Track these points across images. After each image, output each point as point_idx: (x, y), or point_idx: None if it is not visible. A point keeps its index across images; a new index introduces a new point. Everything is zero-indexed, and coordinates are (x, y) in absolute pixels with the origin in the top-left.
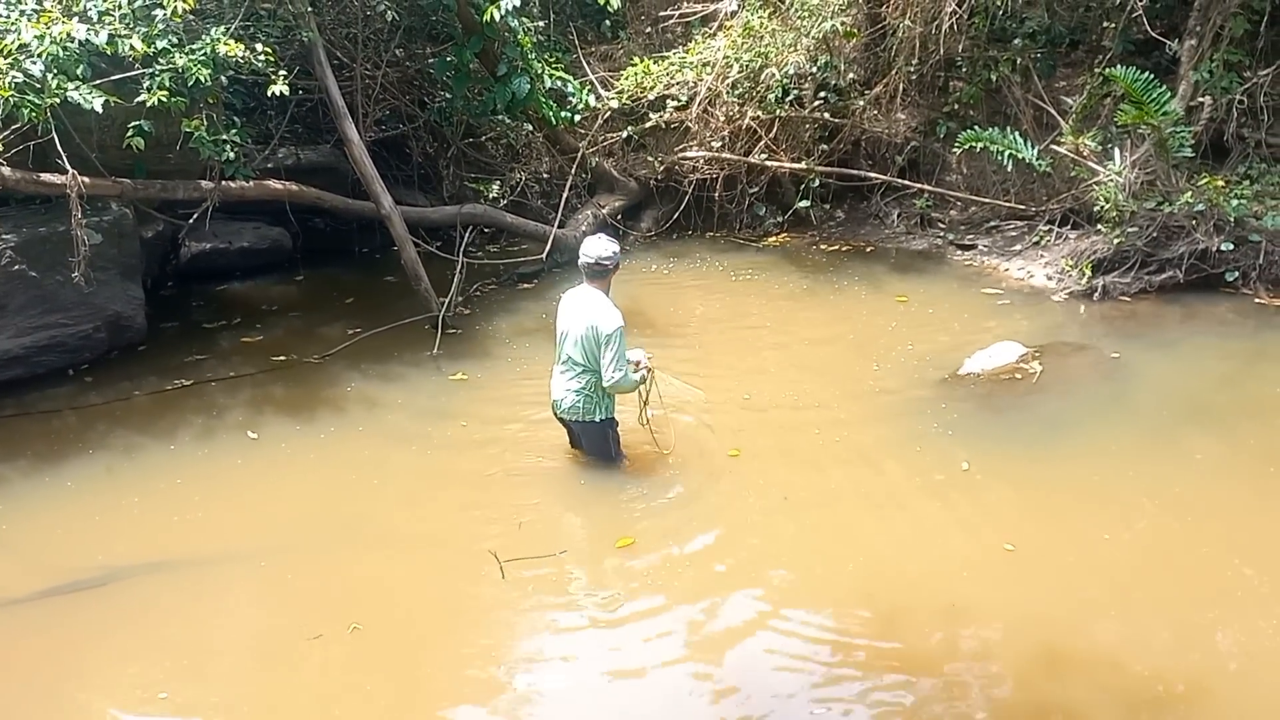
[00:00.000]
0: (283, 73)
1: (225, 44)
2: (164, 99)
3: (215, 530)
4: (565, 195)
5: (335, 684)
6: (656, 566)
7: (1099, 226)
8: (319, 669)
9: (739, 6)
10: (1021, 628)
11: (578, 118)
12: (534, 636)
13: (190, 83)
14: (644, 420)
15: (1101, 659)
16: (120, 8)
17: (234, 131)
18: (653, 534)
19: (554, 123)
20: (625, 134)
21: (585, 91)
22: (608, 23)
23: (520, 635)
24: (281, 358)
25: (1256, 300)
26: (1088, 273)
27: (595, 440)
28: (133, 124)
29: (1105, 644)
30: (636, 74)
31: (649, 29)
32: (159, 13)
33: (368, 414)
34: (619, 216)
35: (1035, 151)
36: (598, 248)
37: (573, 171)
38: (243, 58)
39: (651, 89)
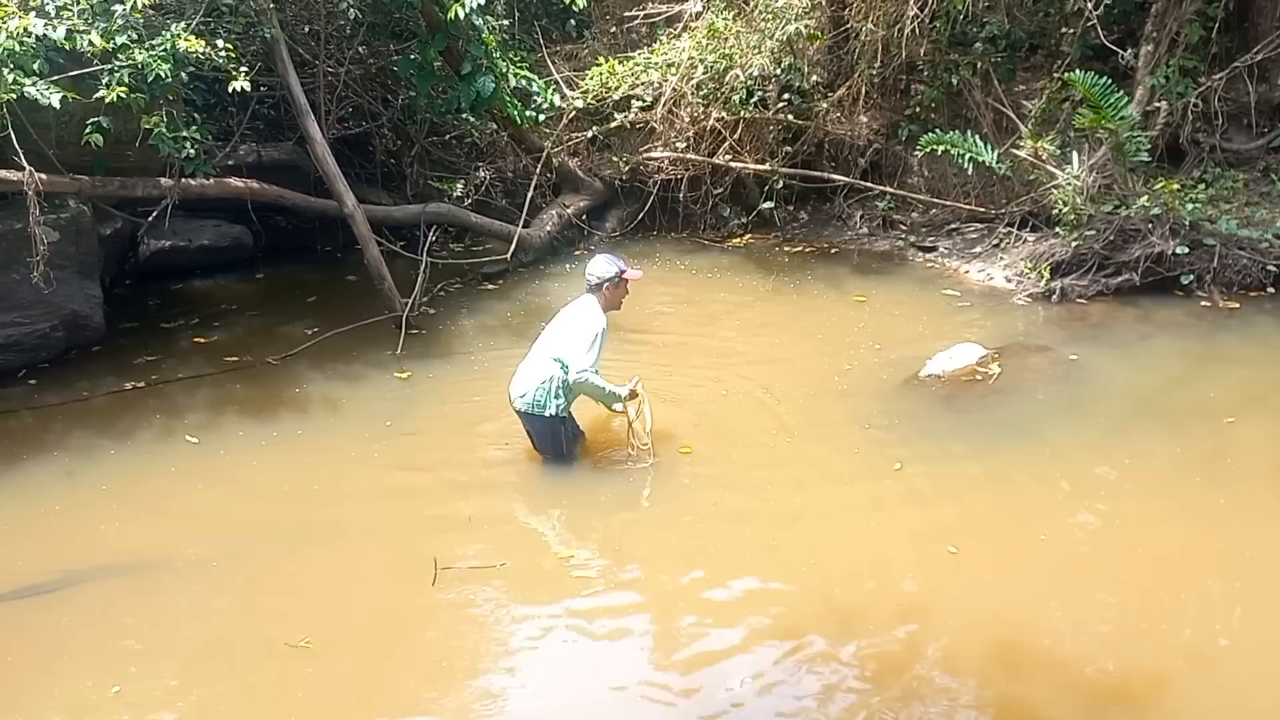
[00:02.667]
0: (244, 69)
1: (186, 40)
2: (123, 95)
3: (173, 533)
4: (530, 195)
5: (288, 685)
6: (602, 573)
7: (1057, 229)
8: (272, 675)
9: (704, 8)
10: (982, 626)
11: (543, 117)
12: (476, 647)
13: (150, 79)
14: (632, 446)
15: (1060, 658)
16: (79, 2)
17: (194, 129)
18: (599, 538)
19: (519, 122)
20: (590, 134)
21: (550, 91)
22: (572, 22)
23: (461, 646)
24: (236, 358)
25: (1203, 303)
26: (1046, 275)
27: (545, 435)
28: (91, 120)
29: (1064, 643)
30: (602, 74)
31: (614, 29)
32: (118, 8)
33: (329, 415)
34: (584, 216)
35: (995, 155)
36: (590, 265)
37: (537, 171)
38: (204, 54)
39: (616, 89)
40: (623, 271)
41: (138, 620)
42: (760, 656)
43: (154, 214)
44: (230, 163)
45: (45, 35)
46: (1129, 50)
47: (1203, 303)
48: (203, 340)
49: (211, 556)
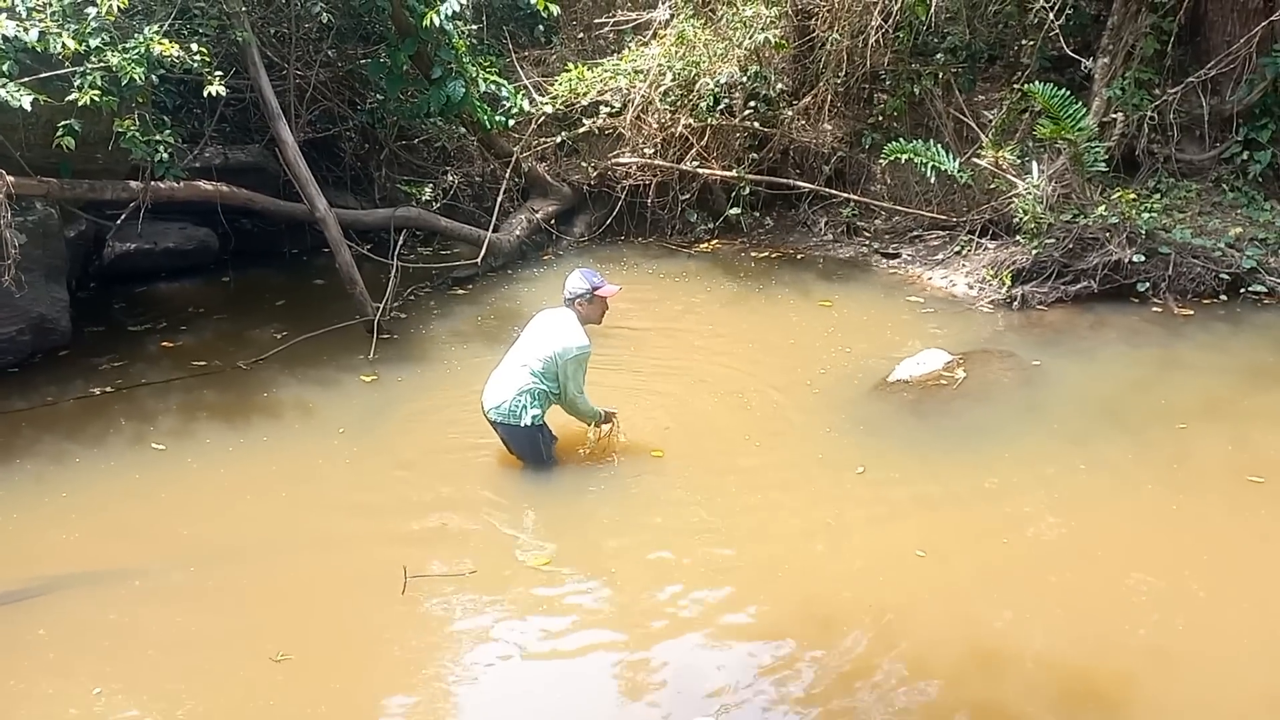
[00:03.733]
0: (218, 73)
1: (161, 43)
2: (96, 98)
3: (141, 542)
4: (499, 199)
5: (260, 695)
6: (573, 580)
7: (1018, 237)
8: (245, 685)
9: (672, 16)
10: (954, 629)
11: (512, 122)
12: (445, 657)
13: (124, 82)
14: (589, 446)
15: (1030, 658)
16: (51, 5)
17: (166, 132)
18: (571, 545)
19: (488, 127)
20: (559, 139)
21: (519, 96)
22: (541, 28)
23: (430, 657)
24: (205, 363)
25: (1157, 310)
26: (1007, 282)
27: (523, 444)
28: (62, 123)
29: (1033, 643)
30: (571, 80)
31: (582, 35)
32: (91, 10)
33: (299, 420)
34: (553, 221)
35: (956, 164)
36: (567, 280)
37: (506, 176)
38: (178, 57)
39: (585, 95)
40: (597, 287)
41: (108, 631)
42: (734, 662)
43: (122, 217)
44: (197, 165)
45: (16, 37)
46: (1087, 61)
47: (1157, 309)
48: (170, 344)
49: (180, 566)
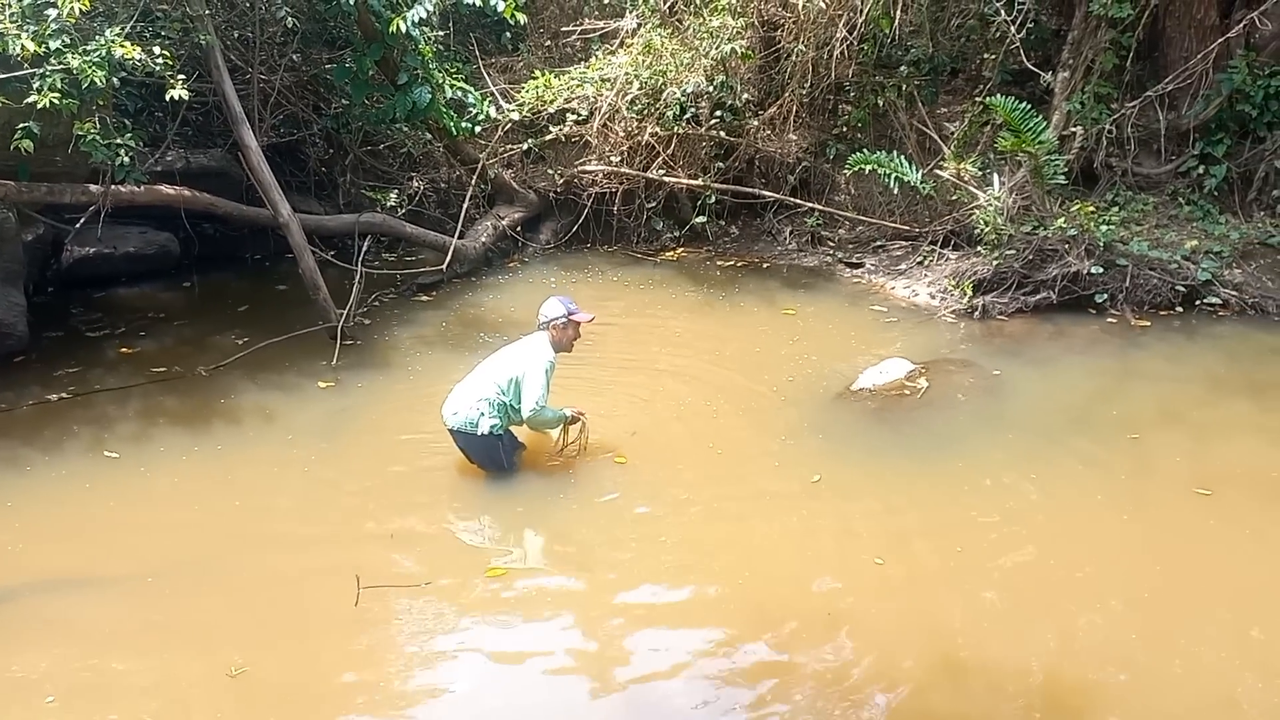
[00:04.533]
0: (181, 76)
1: (122, 46)
2: (55, 100)
3: (92, 552)
4: (465, 206)
5: (211, 710)
6: (531, 590)
7: (979, 248)
8: (196, 699)
9: (639, 25)
10: (916, 636)
11: (478, 128)
12: (398, 671)
13: (84, 84)
14: (559, 445)
15: (995, 667)
16: (10, 6)
17: (128, 135)
18: (529, 554)
19: (454, 133)
20: (525, 146)
21: (486, 103)
22: (508, 35)
23: (382, 671)
24: (164, 369)
25: (1112, 320)
26: (969, 292)
27: (480, 453)
28: (21, 125)
29: (996, 652)
30: (538, 87)
31: (549, 42)
32: (51, 12)
33: (260, 427)
34: (518, 228)
35: (919, 175)
36: (543, 306)
37: (472, 182)
38: (140, 60)
39: (552, 102)
40: (571, 313)
41: (59, 638)
42: (694, 673)
43: (82, 220)
44: (159, 169)
45: None
46: (1047, 75)
47: (1114, 320)
48: (130, 350)
49: (131, 576)
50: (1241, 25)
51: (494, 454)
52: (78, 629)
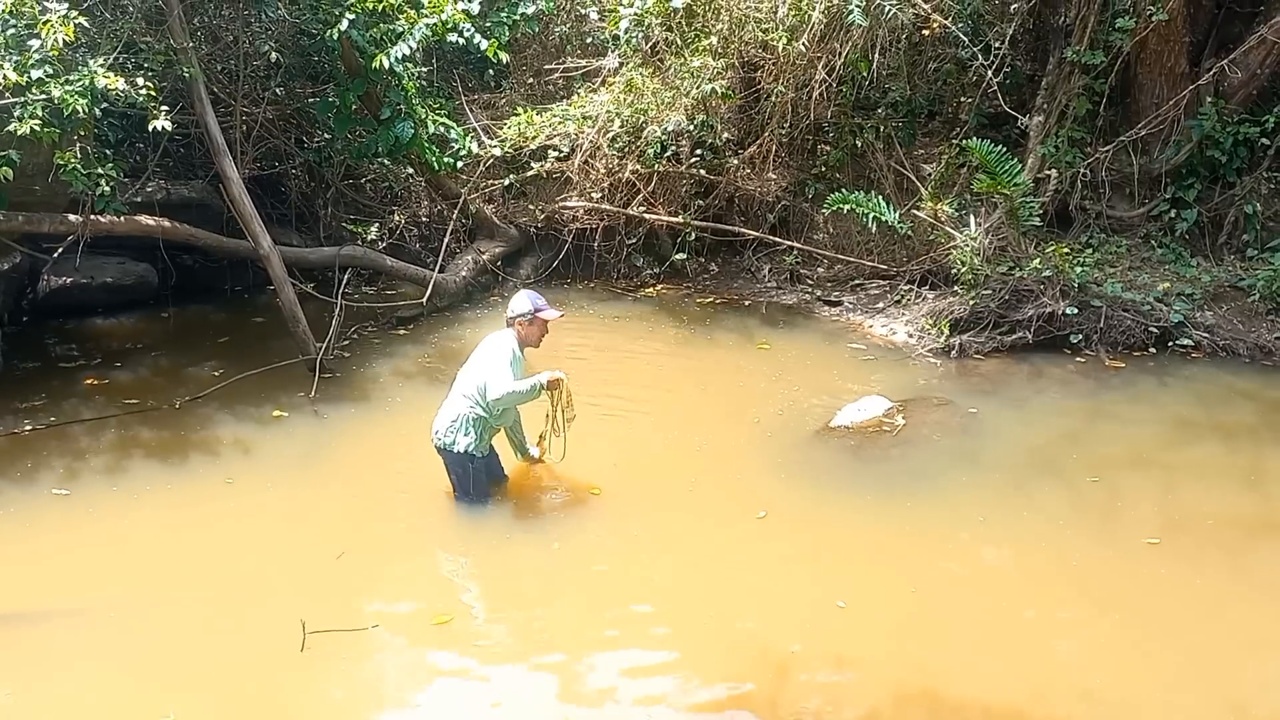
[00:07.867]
0: (164, 107)
1: (105, 76)
2: (36, 129)
3: (36, 592)
4: (446, 240)
5: None
6: (485, 635)
7: (955, 288)
8: None
9: (621, 64)
10: (893, 673)
11: (460, 164)
12: (338, 714)
13: (66, 113)
14: (543, 437)
15: (973, 705)
16: None
17: (109, 165)
18: (487, 595)
19: (436, 168)
20: (507, 181)
21: (468, 138)
22: (490, 71)
23: (323, 713)
24: (137, 400)
25: (1086, 360)
26: (945, 331)
27: (453, 469)
28: None
29: (971, 690)
30: (520, 123)
31: (531, 80)
32: (34, 42)
33: (239, 459)
34: (499, 263)
35: (897, 215)
36: (511, 301)
37: (454, 217)
38: (123, 91)
39: (534, 139)
40: (539, 310)
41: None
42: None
43: (59, 250)
44: (139, 200)
45: None
46: (1022, 119)
47: (1087, 361)
48: (102, 381)
49: (69, 615)
50: (1211, 73)
51: (464, 474)
52: (13, 670)
